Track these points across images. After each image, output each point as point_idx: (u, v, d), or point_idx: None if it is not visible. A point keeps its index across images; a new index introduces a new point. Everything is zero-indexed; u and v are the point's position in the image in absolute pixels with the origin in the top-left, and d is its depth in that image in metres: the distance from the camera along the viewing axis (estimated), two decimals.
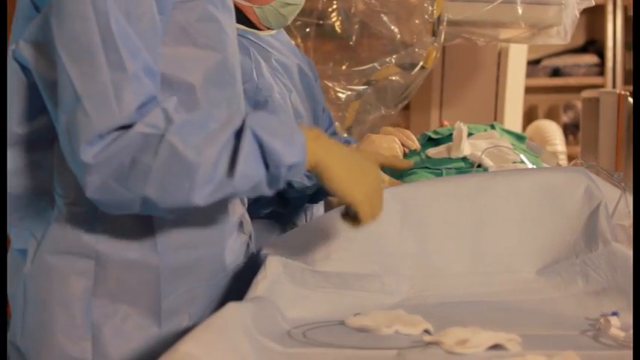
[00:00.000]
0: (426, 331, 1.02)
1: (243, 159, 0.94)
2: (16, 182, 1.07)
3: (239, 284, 1.17)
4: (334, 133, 1.85)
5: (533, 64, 3.65)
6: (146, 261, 1.05)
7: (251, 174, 0.96)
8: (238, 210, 1.20)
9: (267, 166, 0.97)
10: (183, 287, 1.09)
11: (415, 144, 1.77)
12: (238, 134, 0.95)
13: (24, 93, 1.04)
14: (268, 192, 1.01)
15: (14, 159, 1.07)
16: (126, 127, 0.93)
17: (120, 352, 1.04)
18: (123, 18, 0.94)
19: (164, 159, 0.92)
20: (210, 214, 1.12)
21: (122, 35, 0.94)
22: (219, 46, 1.08)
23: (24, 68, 1.03)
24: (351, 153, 1.08)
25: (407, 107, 2.86)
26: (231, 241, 1.17)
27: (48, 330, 1.04)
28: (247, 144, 0.95)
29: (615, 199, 1.24)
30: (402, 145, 1.73)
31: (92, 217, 1.04)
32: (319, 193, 1.55)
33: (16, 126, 1.06)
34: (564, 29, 2.17)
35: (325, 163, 1.02)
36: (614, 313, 1.01)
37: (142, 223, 1.05)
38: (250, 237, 1.26)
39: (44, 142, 1.04)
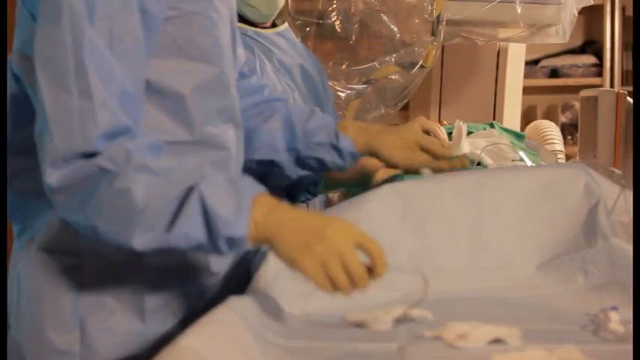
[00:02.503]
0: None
1: (184, 217, 0.94)
2: (17, 184, 1.11)
3: (228, 282, 1.18)
4: None
5: (531, 64, 3.66)
6: (131, 263, 1.07)
7: (190, 234, 0.95)
8: None
9: (208, 230, 0.96)
10: (167, 287, 1.10)
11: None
12: (188, 191, 0.95)
13: (16, 102, 1.08)
14: (216, 255, 1.01)
15: (14, 164, 1.10)
16: (90, 156, 0.95)
17: (106, 345, 1.07)
18: (102, 42, 0.96)
19: (115, 197, 0.94)
20: None
21: (96, 63, 0.95)
22: (214, 59, 1.09)
23: (17, 79, 1.06)
24: (308, 220, 0.99)
25: (406, 107, 2.85)
26: None
27: (38, 323, 1.07)
28: (192, 203, 0.94)
29: (614, 195, 1.24)
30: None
31: None
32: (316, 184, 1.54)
33: (12, 134, 1.09)
34: (563, 28, 2.18)
35: (273, 238, 0.97)
36: (614, 308, 1.01)
37: None
38: None
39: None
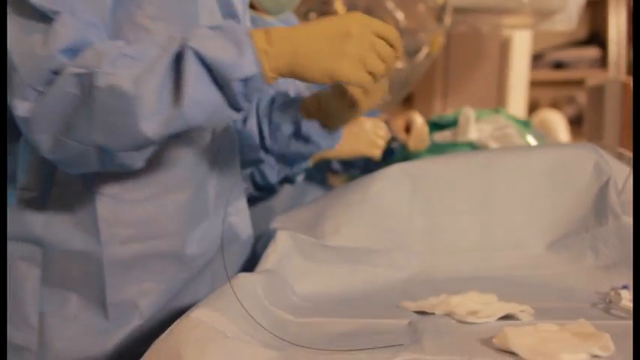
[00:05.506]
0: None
1: (189, 83, 0.85)
2: None
3: (211, 275, 1.12)
4: None
5: (536, 57, 3.65)
6: (88, 252, 1.00)
7: (202, 99, 0.86)
8: (209, 198, 1.11)
9: (219, 86, 0.87)
10: (131, 281, 1.03)
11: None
12: (179, 57, 0.86)
13: None
14: (234, 115, 0.90)
15: None
16: (57, 73, 0.86)
17: (65, 344, 1.00)
18: None
19: (103, 98, 0.84)
20: (164, 206, 1.05)
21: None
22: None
23: None
24: (323, 27, 0.92)
25: (410, 97, 2.86)
26: (198, 233, 1.09)
27: None
28: (190, 65, 0.85)
29: (624, 176, 1.23)
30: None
31: (40, 203, 1.00)
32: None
33: None
34: (569, 15, 2.18)
35: (295, 61, 0.89)
36: (625, 287, 1.01)
37: (87, 213, 1.00)
38: (240, 223, 1.20)
39: (12, 131, 0.98)
